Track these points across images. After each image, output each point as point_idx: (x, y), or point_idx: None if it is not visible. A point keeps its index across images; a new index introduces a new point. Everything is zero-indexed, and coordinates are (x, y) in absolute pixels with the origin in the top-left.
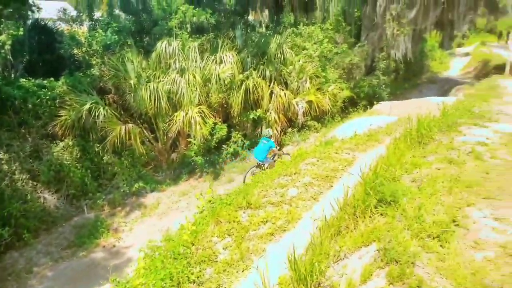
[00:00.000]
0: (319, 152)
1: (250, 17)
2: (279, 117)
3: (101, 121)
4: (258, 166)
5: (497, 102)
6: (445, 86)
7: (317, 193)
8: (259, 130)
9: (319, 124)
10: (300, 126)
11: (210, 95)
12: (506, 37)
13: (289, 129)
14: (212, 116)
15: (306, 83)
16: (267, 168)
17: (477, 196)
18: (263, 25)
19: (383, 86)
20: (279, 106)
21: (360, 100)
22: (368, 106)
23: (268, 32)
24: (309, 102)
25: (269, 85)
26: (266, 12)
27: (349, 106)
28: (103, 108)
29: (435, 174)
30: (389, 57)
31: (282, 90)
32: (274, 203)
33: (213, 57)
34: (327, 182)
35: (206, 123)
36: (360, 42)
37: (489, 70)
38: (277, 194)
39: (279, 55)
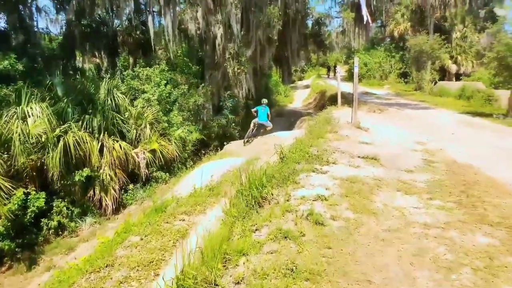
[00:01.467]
0: (147, 224)
1: (81, 62)
2: (115, 173)
3: None
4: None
5: (332, 137)
6: (291, 118)
7: None
8: (92, 192)
9: (167, 174)
10: (144, 180)
11: (15, 158)
12: (334, 70)
13: (131, 185)
14: (21, 186)
15: (146, 130)
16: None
17: None
18: (97, 69)
19: (233, 124)
20: (114, 160)
21: (211, 141)
22: (219, 147)
23: (99, 76)
24: (153, 151)
25: (98, 137)
26: (102, 55)
27: (202, 148)
28: None
29: (265, 265)
30: (235, 95)
31: (117, 141)
32: None
33: (13, 111)
34: (150, 271)
35: (10, 196)
36: (204, 82)
37: (326, 100)
38: None
39: (109, 101)
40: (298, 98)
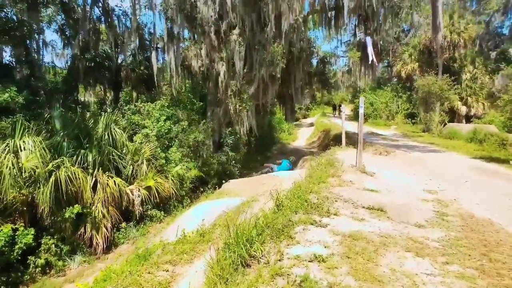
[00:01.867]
0: (128, 273)
1: (86, 95)
2: (108, 211)
3: None
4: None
5: (335, 182)
6: (294, 157)
7: None
8: (83, 229)
9: (162, 212)
10: (138, 218)
11: (5, 193)
12: (339, 109)
13: (124, 224)
14: (9, 221)
15: (143, 166)
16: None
17: None
18: (99, 103)
19: (233, 162)
20: (108, 197)
21: (210, 178)
22: (218, 185)
23: (101, 110)
24: (149, 188)
25: (92, 173)
26: (106, 89)
27: (200, 185)
28: None
29: None
30: (236, 132)
31: (112, 177)
32: None
33: (5, 144)
34: None
35: None
36: (206, 118)
37: (330, 139)
38: None
39: (106, 136)
40: (302, 136)
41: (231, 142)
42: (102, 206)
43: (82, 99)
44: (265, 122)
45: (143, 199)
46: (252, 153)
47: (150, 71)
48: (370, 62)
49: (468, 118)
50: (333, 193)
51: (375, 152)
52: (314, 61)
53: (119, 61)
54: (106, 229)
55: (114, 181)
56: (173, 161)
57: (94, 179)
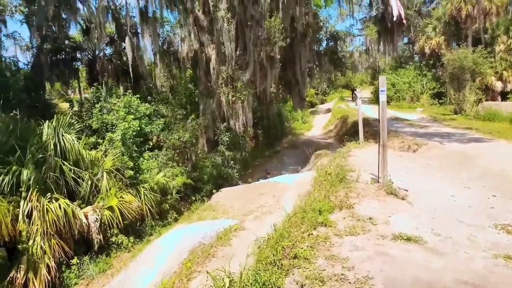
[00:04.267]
0: None
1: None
2: (50, 244)
3: None
4: None
5: (343, 224)
6: (306, 151)
7: None
8: (15, 272)
9: (132, 237)
10: (98, 248)
11: None
12: (352, 95)
13: (75, 259)
14: None
15: (103, 181)
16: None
17: None
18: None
19: (232, 163)
20: (49, 226)
21: (203, 185)
22: (215, 191)
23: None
24: (112, 209)
25: (26, 197)
26: (79, 85)
27: (192, 193)
28: None
29: None
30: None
31: (56, 200)
32: None
33: None
34: None
35: None
36: (198, 113)
37: (348, 128)
38: None
39: (52, 146)
40: (317, 124)
41: (227, 139)
42: (43, 239)
43: (52, 98)
44: (272, 112)
45: (108, 222)
46: (260, 147)
47: (133, 60)
48: (396, 19)
49: (504, 95)
50: (336, 260)
51: (402, 145)
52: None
53: (97, 53)
54: (49, 269)
55: (60, 204)
56: (146, 171)
57: (29, 205)
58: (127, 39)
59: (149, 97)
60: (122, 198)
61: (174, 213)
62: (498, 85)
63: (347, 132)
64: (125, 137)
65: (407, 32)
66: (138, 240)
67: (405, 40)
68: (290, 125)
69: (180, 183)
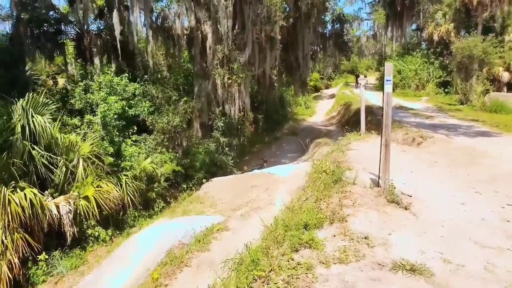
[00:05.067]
0: None
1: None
2: (13, 239)
3: None
4: None
5: (332, 245)
6: (307, 139)
7: None
8: None
9: (112, 229)
10: (71, 241)
11: None
12: (356, 81)
13: (43, 255)
14: None
15: (78, 169)
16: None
17: None
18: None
19: (227, 149)
20: (13, 218)
21: (195, 172)
22: (206, 179)
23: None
24: (89, 199)
25: None
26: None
27: (184, 180)
28: None
29: None
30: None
31: (22, 189)
32: None
33: None
34: None
35: None
36: (192, 95)
37: (350, 116)
38: None
39: (19, 129)
40: (320, 109)
41: (222, 125)
42: (4, 233)
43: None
44: (274, 97)
45: (85, 213)
46: (260, 132)
47: (125, 36)
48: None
49: (510, 86)
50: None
51: (406, 137)
52: (329, 25)
53: (86, 27)
54: (11, 266)
55: (25, 194)
56: (129, 158)
57: None
58: (114, 11)
59: (145, 76)
60: (100, 187)
61: (162, 202)
62: (505, 76)
63: (350, 120)
64: (105, 120)
65: (416, 17)
66: (118, 232)
67: (414, 26)
68: (292, 110)
69: (169, 170)
